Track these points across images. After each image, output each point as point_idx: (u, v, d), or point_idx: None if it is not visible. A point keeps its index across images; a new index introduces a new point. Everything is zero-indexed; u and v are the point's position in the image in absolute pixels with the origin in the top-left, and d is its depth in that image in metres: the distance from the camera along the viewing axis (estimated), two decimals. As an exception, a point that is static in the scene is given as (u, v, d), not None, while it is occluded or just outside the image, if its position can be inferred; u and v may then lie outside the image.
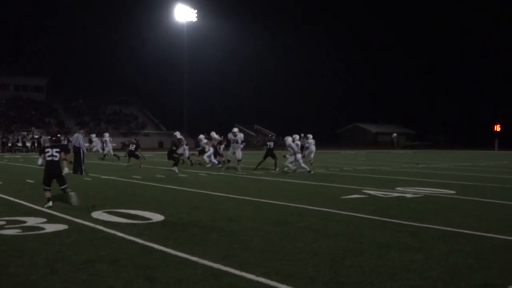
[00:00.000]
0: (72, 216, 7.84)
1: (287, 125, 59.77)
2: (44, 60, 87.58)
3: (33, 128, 51.22)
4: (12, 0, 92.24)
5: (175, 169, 17.31)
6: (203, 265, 5.12)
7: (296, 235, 6.61)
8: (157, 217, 7.87)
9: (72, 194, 9.40)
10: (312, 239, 6.35)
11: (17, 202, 9.68)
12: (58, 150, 9.66)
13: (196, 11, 65.21)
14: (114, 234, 6.55)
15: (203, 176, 16.32)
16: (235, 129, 19.26)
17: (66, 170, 10.65)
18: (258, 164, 19.17)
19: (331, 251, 5.73)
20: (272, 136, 26.06)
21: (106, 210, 8.48)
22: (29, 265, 5.05)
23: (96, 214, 8.07)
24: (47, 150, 9.62)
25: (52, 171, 9.42)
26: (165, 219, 7.72)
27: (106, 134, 27.84)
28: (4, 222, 7.28)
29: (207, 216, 8.14)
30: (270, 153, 19.51)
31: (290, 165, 17.69)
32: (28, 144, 45.54)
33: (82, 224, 7.24)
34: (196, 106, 73.50)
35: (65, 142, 24.03)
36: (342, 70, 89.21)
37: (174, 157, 18.15)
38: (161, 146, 56.05)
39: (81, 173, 16.54)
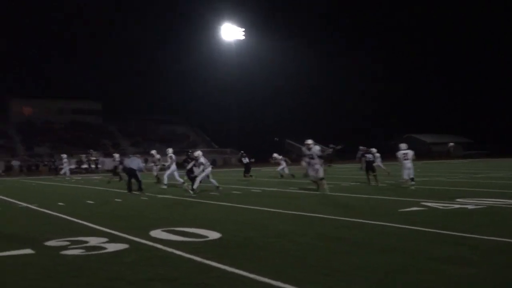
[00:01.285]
0: (132, 236, 8.06)
1: (339, 138, 59.23)
2: (99, 84, 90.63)
3: (91, 150, 53.00)
4: (68, 29, 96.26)
5: (190, 187, 16.40)
6: (262, 282, 5.16)
7: (350, 250, 6.55)
8: (213, 235, 7.98)
9: None
10: (367, 254, 6.28)
11: (79, 223, 10.03)
12: None
13: (243, 29, 66.12)
14: (172, 253, 6.69)
15: (256, 192, 16.40)
16: (309, 141, 16.09)
17: None
18: (368, 179, 18.28)
19: (387, 267, 5.64)
20: (363, 148, 25.70)
21: (164, 229, 8.67)
22: (89, 285, 5.24)
23: (154, 233, 8.26)
24: None
25: None
26: (221, 237, 7.82)
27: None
28: (68, 243, 7.57)
29: (260, 232, 8.18)
30: (370, 166, 18.63)
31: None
32: (86, 166, 47.17)
33: (142, 243, 7.44)
34: (247, 123, 73.96)
35: (118, 163, 24.78)
36: (393, 80, 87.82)
37: (191, 176, 16.99)
38: (213, 164, 56.68)
39: (129, 191, 17.28)
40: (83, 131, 66.66)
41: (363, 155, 19.91)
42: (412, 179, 16.84)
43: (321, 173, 15.66)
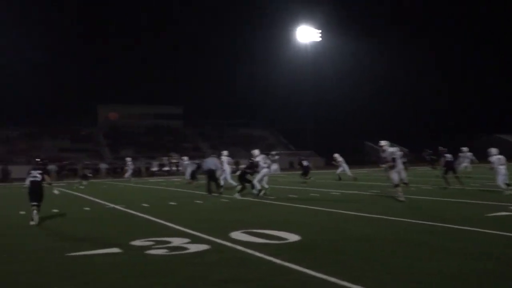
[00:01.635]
0: (213, 237, 8.21)
1: (418, 139, 57.35)
2: (180, 89, 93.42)
3: (172, 153, 54.66)
4: (148, 37, 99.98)
5: (238, 195, 16.17)
6: (342, 286, 5.09)
7: (434, 256, 6.31)
8: (293, 237, 7.97)
9: (35, 212, 10.92)
10: (452, 261, 6.03)
11: (162, 224, 10.35)
12: (40, 172, 11.53)
13: (320, 31, 65.74)
14: (251, 254, 6.75)
15: (335, 195, 16.22)
16: (382, 142, 14.47)
17: (55, 192, 12.48)
18: (446, 182, 17.54)
19: (475, 274, 5.38)
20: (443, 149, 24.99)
21: (244, 231, 8.77)
22: (173, 284, 5.38)
23: (234, 235, 8.37)
24: (30, 172, 11.52)
25: (34, 189, 11.21)
26: (301, 239, 7.79)
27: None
28: (152, 243, 7.83)
29: (340, 235, 8.08)
30: (450, 166, 17.93)
31: None
32: (168, 168, 48.78)
33: (222, 244, 7.56)
34: (323, 125, 73.37)
35: (195, 166, 25.10)
36: (477, 78, 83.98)
37: (245, 180, 16.83)
38: (291, 166, 56.72)
39: (209, 193, 17.54)
40: (164, 135, 68.95)
41: (442, 155, 18.79)
42: (508, 185, 15.42)
43: (394, 179, 13.81)
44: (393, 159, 13.99)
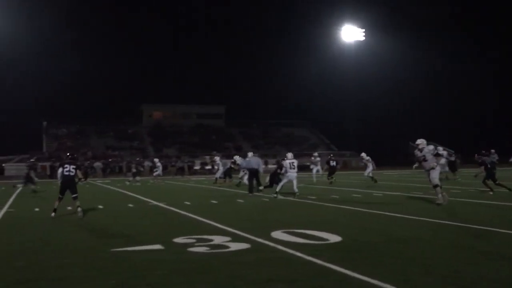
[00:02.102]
0: (254, 236, 8.22)
1: (465, 141, 55.91)
2: (223, 88, 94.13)
3: (214, 152, 55.17)
4: (192, 38, 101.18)
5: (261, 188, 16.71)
6: (383, 288, 5.01)
7: (480, 261, 6.12)
8: (334, 238, 7.89)
9: (79, 209, 11.69)
10: (500, 266, 5.83)
11: (203, 221, 10.44)
12: (74, 167, 12.05)
13: (363, 30, 65.00)
14: (292, 254, 6.72)
15: (377, 196, 15.99)
16: (419, 141, 13.45)
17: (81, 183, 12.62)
18: (500, 184, 16.42)
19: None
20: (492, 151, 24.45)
21: (285, 230, 8.74)
22: (214, 282, 5.40)
23: (275, 234, 8.36)
24: (65, 166, 12.01)
25: (67, 183, 11.84)
26: (342, 240, 7.71)
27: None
28: (194, 240, 7.91)
29: (383, 237, 7.95)
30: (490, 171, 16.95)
31: None
32: (209, 167, 49.28)
33: (263, 244, 7.55)
34: (366, 125, 72.49)
35: (228, 165, 25.09)
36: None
37: (275, 180, 17.08)
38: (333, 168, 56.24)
39: (251, 192, 17.52)
40: (207, 134, 69.62)
41: (481, 160, 17.70)
42: None
43: (435, 179, 12.96)
44: (437, 155, 13.34)
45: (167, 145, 65.11)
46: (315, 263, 6.17)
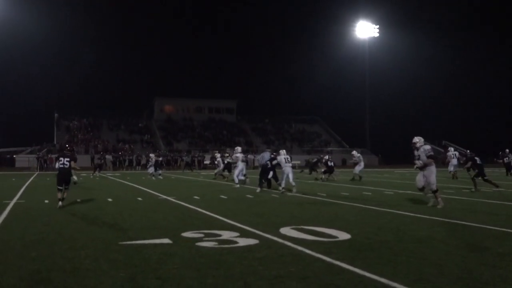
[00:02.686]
0: (263, 232, 8.16)
1: (480, 140, 55.39)
2: (234, 83, 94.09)
3: (224, 147, 55.19)
4: (202, 33, 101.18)
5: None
6: (394, 288, 4.91)
7: (496, 262, 6.00)
8: (343, 236, 7.81)
9: (60, 194, 12.19)
10: (516, 267, 5.72)
11: (212, 216, 10.40)
12: (68, 159, 12.48)
13: (377, 26, 64.58)
14: (301, 251, 6.64)
15: (388, 194, 15.85)
16: (416, 139, 12.62)
17: (74, 178, 13.82)
18: (488, 181, 17.17)
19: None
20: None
21: (294, 227, 8.67)
22: (225, 278, 5.35)
23: (284, 230, 8.29)
24: (60, 159, 12.52)
25: (62, 174, 12.30)
26: (352, 238, 7.62)
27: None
28: (202, 235, 7.87)
29: (394, 236, 7.84)
30: (480, 169, 17.37)
31: None
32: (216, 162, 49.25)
33: (272, 240, 7.49)
34: (379, 122, 72.10)
35: (245, 159, 24.88)
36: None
37: (265, 176, 17.74)
38: (344, 163, 56.10)
39: (261, 187, 17.53)
40: (218, 128, 69.66)
41: (471, 159, 17.77)
42: None
43: (433, 185, 12.01)
44: (431, 157, 12.20)
45: (178, 139, 65.24)
46: (324, 260, 6.09)
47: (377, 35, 64.91)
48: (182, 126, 69.38)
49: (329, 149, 64.53)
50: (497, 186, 16.95)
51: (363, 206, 12.36)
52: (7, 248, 7.02)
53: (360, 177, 23.99)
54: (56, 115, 65.16)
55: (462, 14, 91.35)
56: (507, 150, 28.60)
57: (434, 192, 12.07)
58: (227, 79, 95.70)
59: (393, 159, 51.66)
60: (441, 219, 9.80)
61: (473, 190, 16.79)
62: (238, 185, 19.49)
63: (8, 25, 55.75)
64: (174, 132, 66.96)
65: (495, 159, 31.76)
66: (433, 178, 12.04)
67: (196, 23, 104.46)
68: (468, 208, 11.93)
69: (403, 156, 44.78)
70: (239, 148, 21.20)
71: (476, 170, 17.26)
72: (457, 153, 26.69)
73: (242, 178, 20.44)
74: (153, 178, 27.48)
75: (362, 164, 24.47)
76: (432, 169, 12.13)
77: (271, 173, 17.69)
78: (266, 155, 18.72)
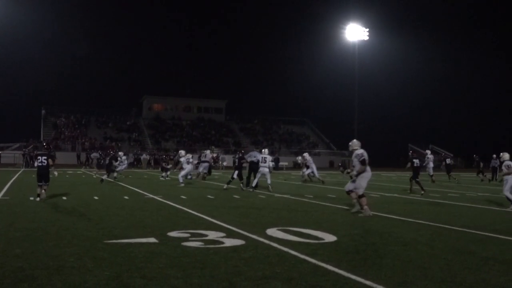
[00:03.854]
0: (249, 232, 8.16)
1: (466, 144, 55.87)
2: (223, 83, 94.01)
3: (212, 146, 55.11)
4: (193, 33, 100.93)
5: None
6: (378, 290, 4.94)
7: (479, 266, 6.06)
8: (329, 238, 7.84)
9: (44, 192, 13.14)
10: (498, 272, 5.77)
11: (199, 216, 10.38)
12: (45, 157, 13.38)
13: (367, 29, 64.85)
14: (287, 252, 6.66)
15: (376, 198, 15.92)
16: (351, 142, 11.74)
17: (55, 174, 14.69)
18: (418, 183, 17.42)
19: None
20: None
21: (280, 228, 8.69)
22: (210, 278, 5.35)
23: (270, 231, 8.30)
24: (38, 157, 13.49)
25: (41, 172, 13.14)
26: (338, 240, 7.65)
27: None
28: (188, 235, 7.85)
29: (380, 239, 7.89)
30: (417, 171, 17.81)
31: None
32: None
33: (258, 241, 7.50)
34: (367, 126, 72.45)
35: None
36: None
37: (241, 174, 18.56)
38: (331, 165, 56.30)
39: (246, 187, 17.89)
40: (207, 128, 69.50)
41: (410, 160, 18.25)
42: None
43: (360, 190, 11.05)
44: (363, 162, 11.04)
45: (166, 138, 65.02)
46: (310, 262, 6.11)
47: (367, 38, 65.13)
48: (171, 125, 69.13)
49: (316, 151, 64.72)
50: (423, 190, 17.19)
51: (350, 208, 12.39)
52: (-10, 245, 6.95)
53: (311, 179, 24.47)
54: (43, 111, 64.61)
55: (453, 17, 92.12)
56: (494, 156, 28.98)
57: (359, 197, 11.05)
58: (217, 79, 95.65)
59: (380, 162, 51.89)
60: (426, 222, 9.87)
61: (422, 192, 17.05)
62: (182, 185, 20.34)
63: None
64: (162, 131, 66.71)
65: (477, 164, 31.88)
66: (363, 183, 11.06)
67: (187, 23, 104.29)
68: (453, 212, 12.03)
69: (390, 159, 44.99)
70: (182, 152, 22.75)
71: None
72: (432, 156, 27.14)
73: (189, 177, 22.61)
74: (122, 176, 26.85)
75: (314, 166, 24.33)
76: (365, 175, 11.11)
77: (236, 172, 18.39)
78: (255, 154, 18.81)
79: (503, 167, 13.58)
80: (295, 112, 79.76)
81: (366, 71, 70.22)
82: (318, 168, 25.31)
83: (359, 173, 11.07)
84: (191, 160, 22.04)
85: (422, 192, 17.00)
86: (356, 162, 11.20)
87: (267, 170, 17.38)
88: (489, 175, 29.48)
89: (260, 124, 73.98)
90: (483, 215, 11.52)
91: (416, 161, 18.01)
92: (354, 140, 11.77)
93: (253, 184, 17.57)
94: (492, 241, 7.88)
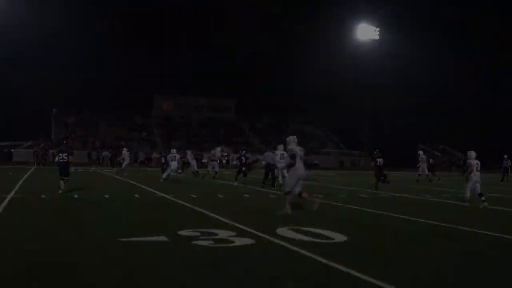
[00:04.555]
0: (259, 231, 8.15)
1: (478, 145, 55.37)
2: (233, 82, 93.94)
3: (222, 146, 55.19)
4: (202, 31, 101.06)
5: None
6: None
7: (492, 268, 6.03)
8: (340, 237, 7.81)
9: (63, 183, 14.30)
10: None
11: (209, 215, 10.39)
12: (66, 154, 14.87)
13: (378, 28, 64.66)
14: (297, 252, 6.64)
15: (384, 198, 15.85)
16: (289, 138, 11.84)
17: (73, 169, 16.33)
18: (384, 181, 18.48)
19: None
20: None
21: (290, 227, 8.66)
22: (221, 277, 5.35)
23: (281, 231, 8.28)
24: (59, 154, 14.98)
25: (62, 168, 14.43)
26: (348, 240, 7.63)
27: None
28: (199, 234, 7.85)
29: (390, 239, 7.86)
30: (380, 170, 18.78)
31: None
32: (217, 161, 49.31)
33: (268, 240, 7.48)
34: (377, 125, 72.10)
35: (245, 159, 24.61)
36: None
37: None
38: (341, 165, 56.15)
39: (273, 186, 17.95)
40: (216, 127, 69.54)
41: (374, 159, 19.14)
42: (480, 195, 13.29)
43: (286, 187, 11.23)
44: (293, 157, 10.87)
45: (175, 137, 65.16)
46: (320, 261, 6.09)
47: (377, 37, 64.98)
48: (180, 124, 69.25)
49: (325, 150, 64.59)
50: (376, 188, 18.25)
51: (361, 208, 12.36)
52: (2, 242, 7.01)
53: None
54: (54, 110, 65.00)
55: (465, 17, 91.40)
56: (506, 156, 28.72)
57: (285, 193, 11.04)
58: (228, 78, 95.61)
59: (391, 162, 51.66)
60: (437, 223, 9.81)
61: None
62: (161, 180, 21.71)
63: (6, 20, 55.60)
64: (172, 130, 66.85)
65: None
66: (290, 181, 10.92)
67: (197, 21, 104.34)
68: (465, 212, 11.95)
69: (400, 159, 44.74)
70: (174, 150, 23.90)
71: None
72: (425, 157, 27.11)
73: (172, 174, 22.82)
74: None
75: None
76: (294, 173, 10.85)
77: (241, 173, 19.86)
78: (269, 155, 19.06)
79: None
80: (305, 112, 79.44)
81: (377, 70, 69.71)
82: (327, 168, 25.23)
83: (288, 167, 11.13)
84: (176, 156, 23.05)
85: (375, 188, 18.21)
86: (287, 157, 11.37)
87: (283, 165, 17.15)
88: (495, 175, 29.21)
89: (269, 123, 73.94)
90: (495, 216, 11.43)
91: (379, 160, 18.94)
92: (292, 136, 11.80)
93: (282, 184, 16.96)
94: (506, 244, 7.82)
